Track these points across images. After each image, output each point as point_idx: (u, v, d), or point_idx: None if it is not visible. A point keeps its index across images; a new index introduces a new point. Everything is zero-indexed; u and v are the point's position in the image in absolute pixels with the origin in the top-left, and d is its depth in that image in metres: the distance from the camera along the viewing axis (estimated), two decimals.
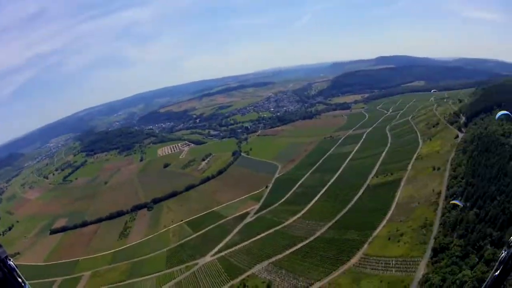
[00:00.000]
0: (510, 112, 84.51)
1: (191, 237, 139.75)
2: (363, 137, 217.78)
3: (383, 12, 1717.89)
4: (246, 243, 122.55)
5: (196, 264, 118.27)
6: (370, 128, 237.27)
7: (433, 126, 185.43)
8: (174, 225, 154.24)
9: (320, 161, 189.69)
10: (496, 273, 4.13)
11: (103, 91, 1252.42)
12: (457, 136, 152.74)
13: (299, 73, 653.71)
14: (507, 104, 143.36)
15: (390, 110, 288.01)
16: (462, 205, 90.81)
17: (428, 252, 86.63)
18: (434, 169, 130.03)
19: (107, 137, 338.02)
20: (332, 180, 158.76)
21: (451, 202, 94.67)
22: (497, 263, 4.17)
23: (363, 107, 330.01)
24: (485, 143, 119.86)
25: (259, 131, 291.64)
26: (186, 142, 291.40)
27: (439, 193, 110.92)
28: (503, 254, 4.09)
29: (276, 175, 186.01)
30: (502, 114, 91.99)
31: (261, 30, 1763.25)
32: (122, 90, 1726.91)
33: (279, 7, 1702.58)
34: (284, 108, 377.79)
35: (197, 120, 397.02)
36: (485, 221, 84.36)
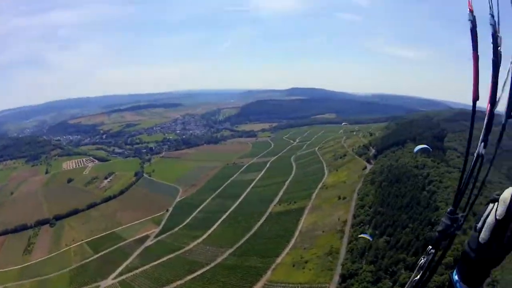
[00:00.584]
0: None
1: (92, 258, 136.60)
2: (267, 165, 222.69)
3: (300, 44, 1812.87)
4: (146, 267, 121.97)
5: (98, 286, 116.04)
6: (275, 157, 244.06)
7: (340, 157, 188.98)
8: (75, 245, 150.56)
9: (223, 186, 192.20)
10: (416, 278, 4.11)
11: (20, 94, 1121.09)
12: (365, 168, 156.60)
13: (210, 97, 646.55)
14: (421, 138, 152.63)
15: (297, 140, 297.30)
16: (371, 239, 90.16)
17: (336, 278, 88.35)
18: (339, 198, 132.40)
19: (17, 143, 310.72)
20: (234, 206, 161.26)
21: (359, 236, 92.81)
22: (416, 269, 4.13)
23: (269, 136, 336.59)
24: (396, 174, 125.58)
25: (163, 153, 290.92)
26: (91, 158, 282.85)
27: (345, 222, 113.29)
28: (422, 260, 4.08)
29: (178, 199, 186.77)
30: (420, 148, 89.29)
31: (181, 51, 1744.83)
32: (38, 95, 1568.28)
33: (201, 29, 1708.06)
34: (191, 132, 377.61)
35: (104, 136, 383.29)
36: (396, 248, 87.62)
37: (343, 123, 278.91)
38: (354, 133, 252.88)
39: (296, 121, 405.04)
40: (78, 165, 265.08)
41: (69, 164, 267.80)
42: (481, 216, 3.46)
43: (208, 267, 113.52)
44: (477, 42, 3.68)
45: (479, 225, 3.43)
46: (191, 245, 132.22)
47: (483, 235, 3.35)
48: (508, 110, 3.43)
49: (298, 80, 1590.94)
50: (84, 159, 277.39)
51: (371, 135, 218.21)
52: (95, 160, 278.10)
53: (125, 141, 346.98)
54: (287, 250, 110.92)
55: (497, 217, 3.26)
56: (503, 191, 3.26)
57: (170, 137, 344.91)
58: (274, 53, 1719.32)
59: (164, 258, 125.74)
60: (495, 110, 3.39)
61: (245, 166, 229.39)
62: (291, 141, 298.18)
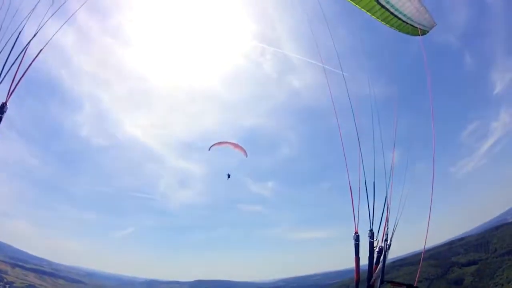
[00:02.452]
0: None
1: None
2: None
3: (202, 237, 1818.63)
4: None
5: None
6: None
7: None
8: None
9: None
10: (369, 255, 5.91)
11: None
12: None
13: (112, 281, 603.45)
14: None
15: None
16: None
17: None
18: None
19: None
20: None
21: None
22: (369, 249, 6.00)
23: None
24: None
25: None
26: None
27: None
28: (369, 240, 6.14)
29: None
30: None
31: (84, 227, 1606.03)
32: None
33: (104, 210, 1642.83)
34: None
35: (7, 286, 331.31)
36: None
37: None
38: None
39: None
40: None
41: None
42: None
43: None
44: (358, 250, 6.61)
45: None
46: None
47: None
48: None
49: (202, 271, 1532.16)
50: None
51: None
52: None
53: None
54: None
55: None
56: None
57: None
58: (178, 244, 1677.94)
59: None
60: None
61: None
62: None
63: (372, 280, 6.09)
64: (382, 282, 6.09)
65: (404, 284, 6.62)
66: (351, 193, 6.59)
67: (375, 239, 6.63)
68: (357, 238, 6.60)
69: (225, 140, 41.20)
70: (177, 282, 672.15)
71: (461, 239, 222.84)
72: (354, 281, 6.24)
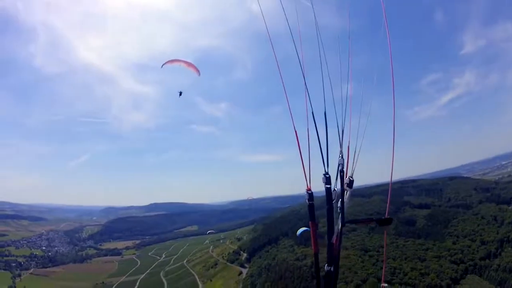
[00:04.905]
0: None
1: None
2: (137, 284, 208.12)
3: (156, 160, 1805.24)
4: None
5: None
6: (144, 275, 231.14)
7: (212, 267, 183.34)
8: None
9: None
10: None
11: None
12: (240, 273, 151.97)
13: (71, 213, 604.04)
14: (291, 232, 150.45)
15: (163, 256, 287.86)
16: None
17: None
18: None
19: None
20: None
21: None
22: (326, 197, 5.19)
23: (134, 253, 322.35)
24: (278, 271, 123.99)
25: (32, 269, 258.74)
26: None
27: None
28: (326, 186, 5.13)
29: None
30: (303, 230, 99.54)
31: (37, 160, 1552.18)
32: None
33: (56, 138, 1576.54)
34: (56, 249, 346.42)
35: None
36: None
37: (208, 232, 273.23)
38: (221, 241, 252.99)
39: (160, 236, 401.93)
40: None
41: None
42: None
43: None
44: (314, 213, 5.22)
45: None
46: None
47: None
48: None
49: (157, 195, 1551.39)
50: None
51: (239, 240, 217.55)
52: None
53: None
54: None
55: None
56: None
57: (37, 253, 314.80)
58: (132, 168, 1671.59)
59: None
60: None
61: (114, 286, 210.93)
62: (157, 257, 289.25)
63: (334, 236, 5.01)
64: (343, 224, 5.03)
65: (372, 220, 5.36)
66: (297, 136, 5.23)
67: (332, 185, 5.21)
68: (310, 197, 5.12)
69: (178, 58, 39.83)
70: (134, 207, 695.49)
71: (413, 180, 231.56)
72: (312, 251, 5.08)
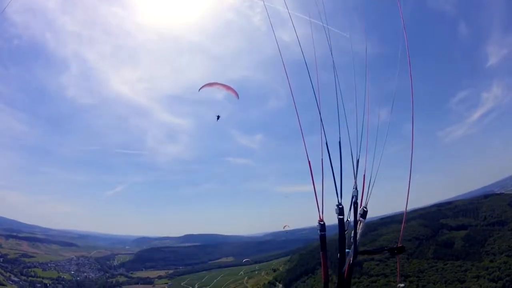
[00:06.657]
0: None
1: None
2: None
3: (191, 191, 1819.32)
4: None
5: None
6: None
7: None
8: None
9: None
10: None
11: None
12: None
13: (104, 241, 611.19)
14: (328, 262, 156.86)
15: (196, 286, 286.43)
16: None
17: None
18: None
19: None
20: None
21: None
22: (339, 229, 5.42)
23: (167, 283, 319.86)
24: None
25: None
26: None
27: None
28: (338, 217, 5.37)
29: None
30: None
31: (72, 188, 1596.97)
32: None
33: (91, 169, 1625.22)
34: (85, 274, 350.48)
35: (1, 259, 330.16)
36: None
37: (244, 260, 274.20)
38: (256, 272, 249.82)
39: (193, 267, 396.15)
40: None
41: None
42: None
43: None
44: (325, 244, 5.54)
45: None
46: None
47: None
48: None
49: (192, 226, 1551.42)
50: None
51: (274, 271, 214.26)
52: None
53: (20, 270, 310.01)
54: None
55: None
56: None
57: (65, 277, 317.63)
58: (167, 200, 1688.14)
59: None
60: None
61: None
62: (190, 287, 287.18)
63: (345, 267, 5.15)
64: (356, 254, 5.15)
65: (384, 249, 5.38)
66: (310, 168, 5.47)
67: (345, 216, 5.42)
68: (322, 228, 5.27)
69: (215, 82, 38.10)
70: (168, 238, 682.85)
71: (449, 202, 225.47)
72: (322, 281, 5.35)
